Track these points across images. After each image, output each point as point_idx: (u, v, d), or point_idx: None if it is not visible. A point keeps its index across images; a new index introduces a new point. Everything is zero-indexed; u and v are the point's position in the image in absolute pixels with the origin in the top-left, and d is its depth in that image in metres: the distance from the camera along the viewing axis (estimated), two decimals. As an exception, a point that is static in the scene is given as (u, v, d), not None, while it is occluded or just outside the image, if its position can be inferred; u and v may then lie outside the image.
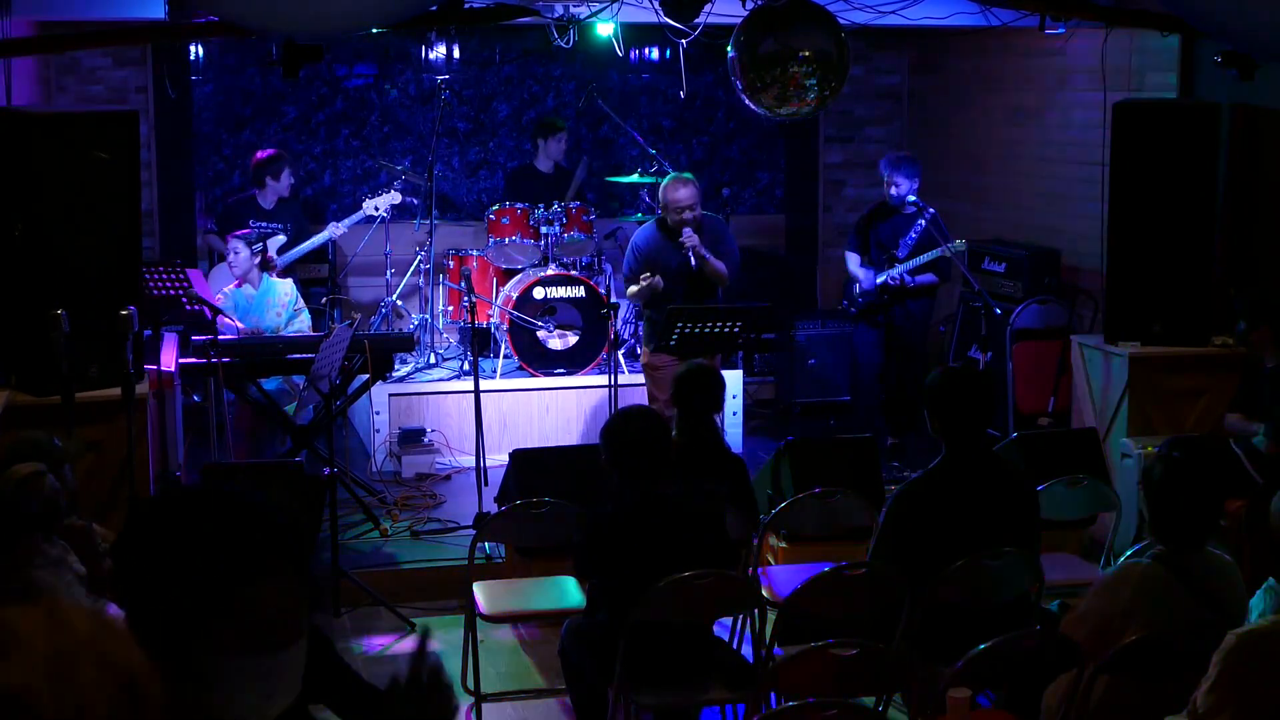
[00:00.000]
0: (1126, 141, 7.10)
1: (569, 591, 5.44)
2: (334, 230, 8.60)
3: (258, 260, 7.87)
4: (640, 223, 8.60)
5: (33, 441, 4.43)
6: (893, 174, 8.00)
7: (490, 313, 8.70)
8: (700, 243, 7.32)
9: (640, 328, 7.77)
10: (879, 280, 8.07)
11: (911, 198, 7.97)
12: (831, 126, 10.57)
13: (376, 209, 8.65)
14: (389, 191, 8.71)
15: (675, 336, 7.20)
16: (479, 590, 5.37)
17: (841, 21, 6.77)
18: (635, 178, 9.32)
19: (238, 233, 7.97)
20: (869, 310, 8.19)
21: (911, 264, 7.95)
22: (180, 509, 1.90)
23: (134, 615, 1.83)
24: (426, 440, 8.24)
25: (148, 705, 1.37)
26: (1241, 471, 6.16)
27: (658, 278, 7.36)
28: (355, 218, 8.68)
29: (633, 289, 7.51)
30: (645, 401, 7.56)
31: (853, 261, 8.26)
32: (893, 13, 7.30)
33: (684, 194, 7.32)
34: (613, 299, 7.27)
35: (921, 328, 8.30)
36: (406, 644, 6.16)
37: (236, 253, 7.80)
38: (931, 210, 8.00)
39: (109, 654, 1.37)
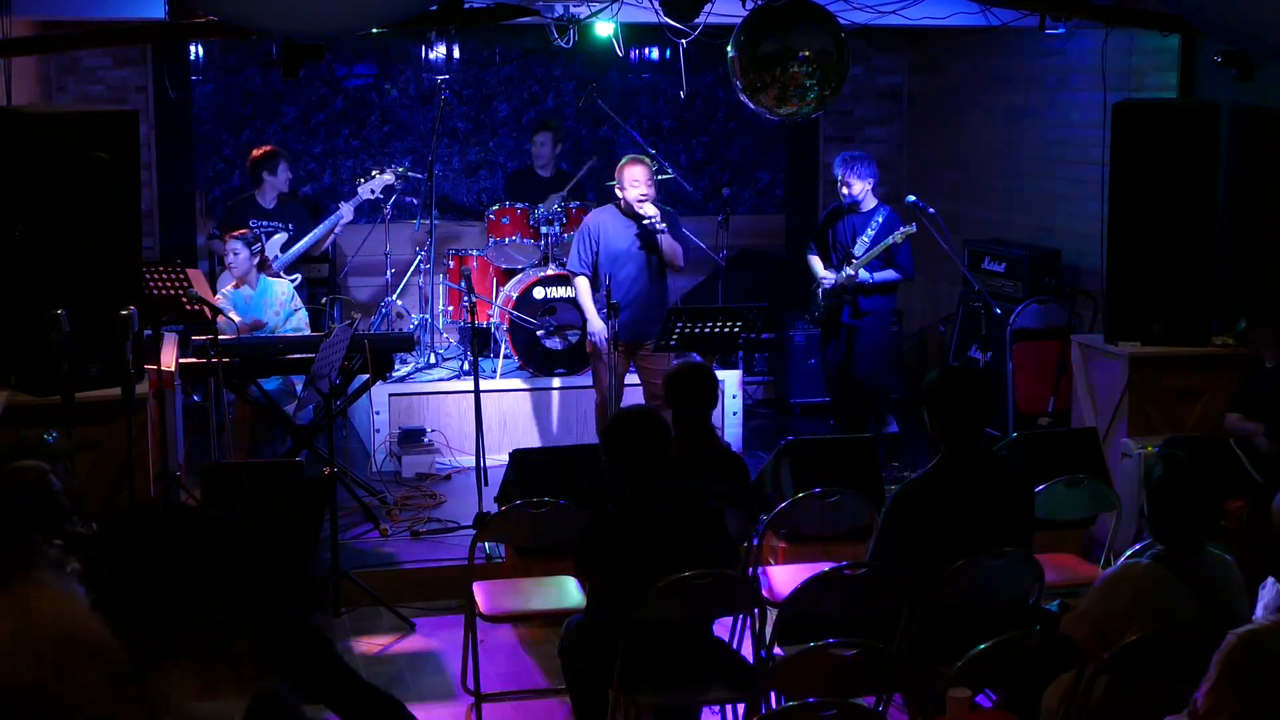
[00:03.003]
0: (1126, 141, 7.10)
1: (569, 591, 5.44)
2: (343, 211, 8.53)
3: (256, 260, 7.88)
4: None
5: (23, 440, 4.41)
6: (846, 174, 7.98)
7: (490, 313, 8.70)
8: (661, 224, 7.40)
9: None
10: (837, 280, 8.04)
11: (910, 198, 7.96)
12: (831, 126, 10.57)
13: (373, 191, 8.63)
14: (381, 173, 8.71)
15: (675, 336, 7.21)
16: (479, 590, 5.37)
17: (841, 21, 6.77)
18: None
19: (235, 233, 7.97)
20: (832, 312, 8.14)
21: (863, 256, 7.91)
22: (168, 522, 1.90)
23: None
24: (426, 440, 8.24)
25: (118, 675, 1.38)
26: (1241, 471, 6.16)
27: (603, 330, 7.46)
28: (354, 201, 8.64)
29: (589, 303, 7.59)
30: (598, 392, 7.73)
31: (816, 265, 8.24)
32: (893, 13, 7.30)
33: (641, 171, 7.46)
34: (621, 304, 7.28)
35: (883, 324, 8.20)
36: (406, 644, 6.17)
37: (236, 253, 7.79)
38: (932, 210, 7.99)
39: (77, 631, 1.37)
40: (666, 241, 7.46)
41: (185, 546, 1.88)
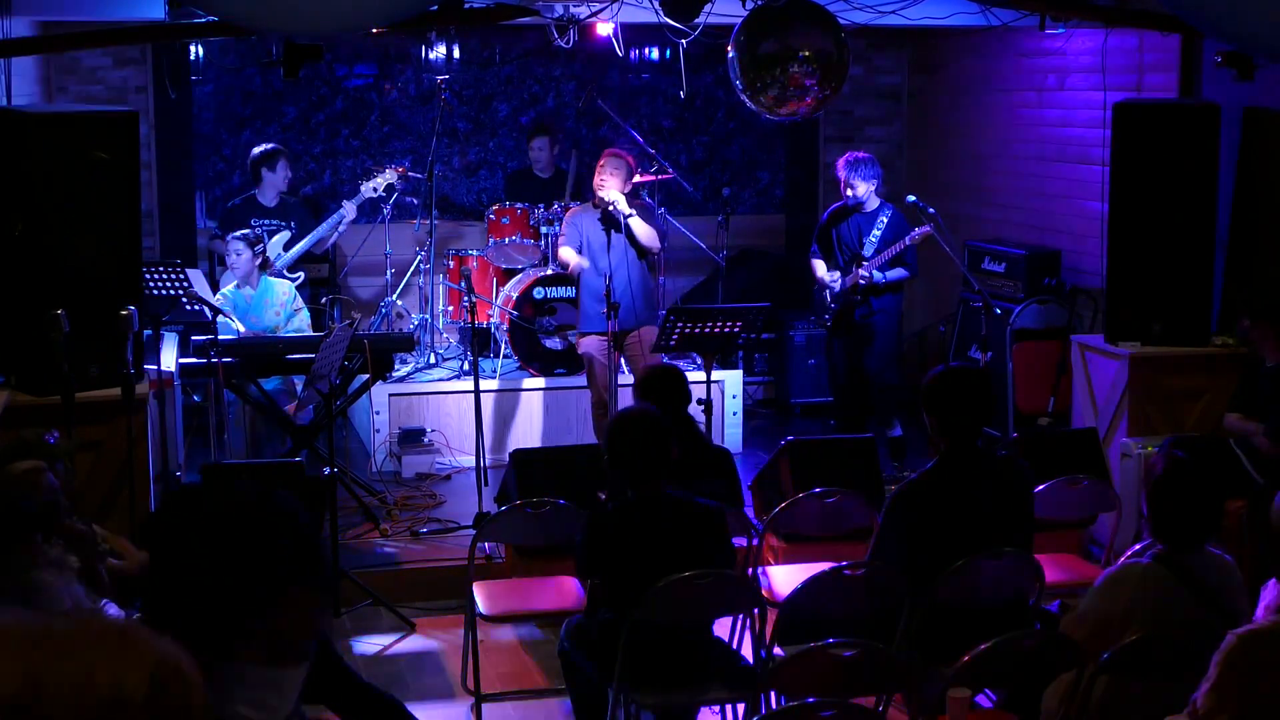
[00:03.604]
0: (1126, 141, 7.10)
1: (569, 591, 5.44)
2: (346, 209, 8.51)
3: (259, 261, 7.88)
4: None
5: (23, 440, 4.41)
6: (850, 175, 8.00)
7: (490, 313, 8.70)
8: (625, 208, 7.53)
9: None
10: (849, 281, 8.04)
11: (910, 197, 7.96)
12: (831, 126, 10.57)
13: (375, 189, 8.63)
14: (384, 172, 8.70)
15: (675, 336, 7.20)
16: (479, 590, 5.37)
17: (841, 21, 6.77)
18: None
19: (238, 233, 7.96)
20: (843, 314, 8.15)
21: (879, 259, 7.93)
22: (229, 511, 1.90)
23: (158, 610, 1.84)
24: (426, 440, 8.24)
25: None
26: (1241, 471, 6.17)
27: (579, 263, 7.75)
28: (357, 199, 8.62)
29: (568, 255, 7.80)
30: (593, 392, 7.78)
31: (820, 268, 8.25)
32: (893, 13, 7.30)
33: (608, 162, 7.66)
34: (613, 298, 7.29)
35: (892, 322, 8.22)
36: (406, 644, 6.17)
37: (238, 254, 7.79)
38: (932, 210, 7.99)
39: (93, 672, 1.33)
40: (636, 225, 7.53)
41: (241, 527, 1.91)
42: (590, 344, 7.62)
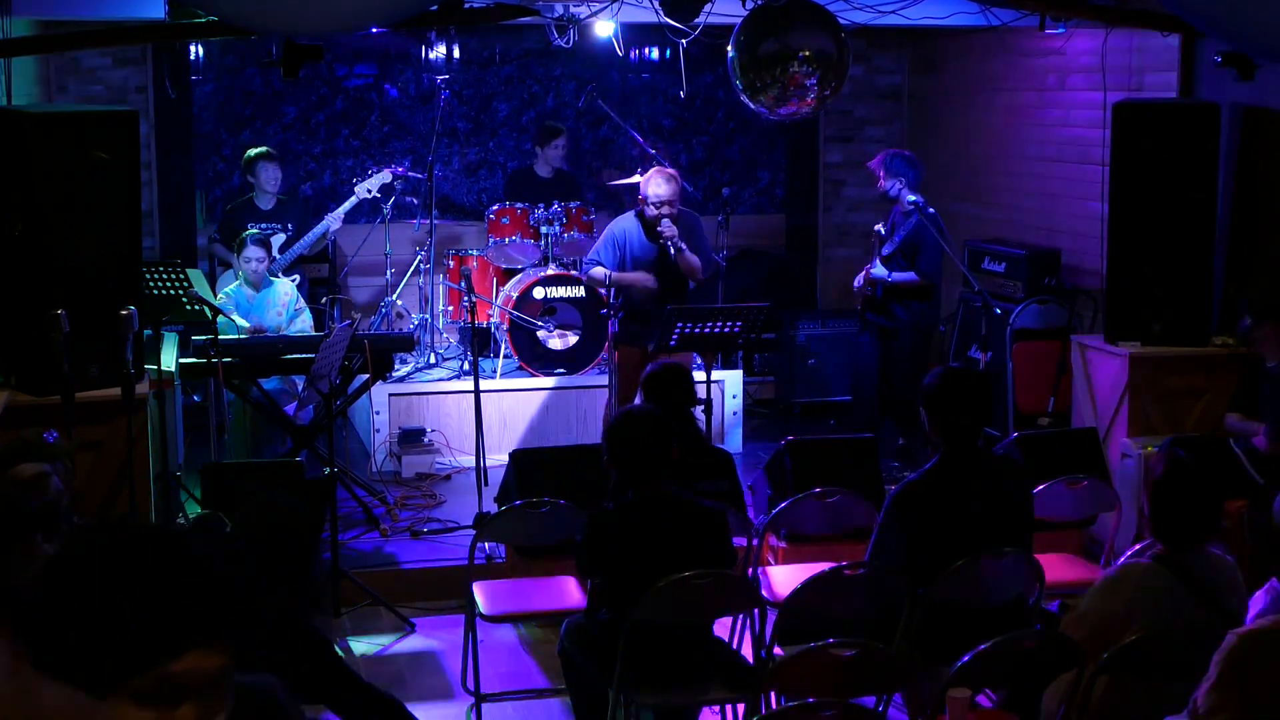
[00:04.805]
0: (1126, 141, 7.10)
1: (569, 591, 5.45)
2: (331, 220, 8.51)
3: (266, 265, 7.92)
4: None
5: (23, 440, 4.41)
6: (877, 169, 8.08)
7: (490, 313, 8.70)
8: (680, 242, 7.35)
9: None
10: (861, 279, 8.11)
11: (911, 197, 7.96)
12: (831, 126, 10.57)
13: (369, 191, 8.61)
14: (379, 172, 8.68)
15: (675, 336, 7.20)
16: (479, 590, 5.37)
17: (841, 21, 6.77)
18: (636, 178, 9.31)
19: (251, 235, 7.96)
20: (861, 312, 8.23)
21: (878, 257, 7.97)
22: (122, 557, 1.72)
23: (49, 649, 1.74)
24: (426, 440, 8.24)
25: None
26: (1241, 471, 6.17)
27: (649, 276, 7.38)
28: (349, 204, 8.61)
29: (617, 275, 7.45)
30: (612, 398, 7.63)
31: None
32: (893, 13, 7.31)
33: (666, 190, 7.35)
34: (613, 300, 7.27)
35: (910, 331, 8.15)
36: (406, 644, 6.17)
37: (260, 260, 7.82)
38: (932, 211, 7.98)
39: None
40: (684, 258, 7.43)
41: (138, 572, 1.75)
42: (622, 353, 7.50)
